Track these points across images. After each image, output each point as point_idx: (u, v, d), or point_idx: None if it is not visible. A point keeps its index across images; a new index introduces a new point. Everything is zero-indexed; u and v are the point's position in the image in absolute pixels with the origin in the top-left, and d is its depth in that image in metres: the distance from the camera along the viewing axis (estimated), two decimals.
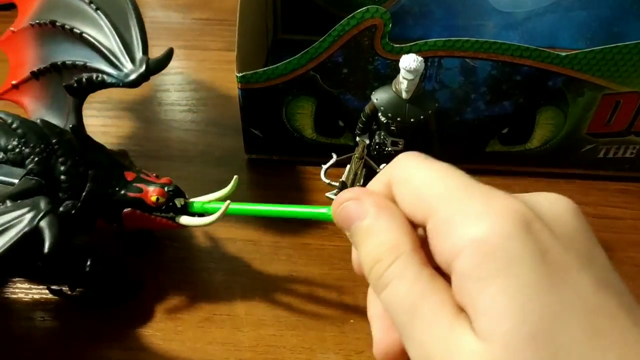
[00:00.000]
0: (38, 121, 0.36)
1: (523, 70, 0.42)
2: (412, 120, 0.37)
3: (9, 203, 0.33)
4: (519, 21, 0.56)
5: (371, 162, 0.39)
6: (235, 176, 0.35)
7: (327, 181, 0.38)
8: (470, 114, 0.45)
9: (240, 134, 0.48)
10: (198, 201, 0.36)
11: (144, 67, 0.37)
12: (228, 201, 0.33)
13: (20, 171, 0.35)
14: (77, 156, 0.35)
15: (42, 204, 0.31)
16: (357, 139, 0.40)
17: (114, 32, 0.38)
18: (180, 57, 0.63)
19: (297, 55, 0.42)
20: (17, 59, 0.43)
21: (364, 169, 0.40)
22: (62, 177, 0.35)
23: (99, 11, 0.39)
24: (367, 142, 0.40)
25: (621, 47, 0.40)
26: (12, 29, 0.44)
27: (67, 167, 0.35)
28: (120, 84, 0.37)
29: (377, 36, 0.41)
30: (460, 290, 0.18)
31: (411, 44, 0.41)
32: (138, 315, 0.39)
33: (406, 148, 0.39)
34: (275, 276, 0.42)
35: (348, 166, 0.39)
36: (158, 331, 0.38)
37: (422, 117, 0.37)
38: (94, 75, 0.38)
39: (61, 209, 0.35)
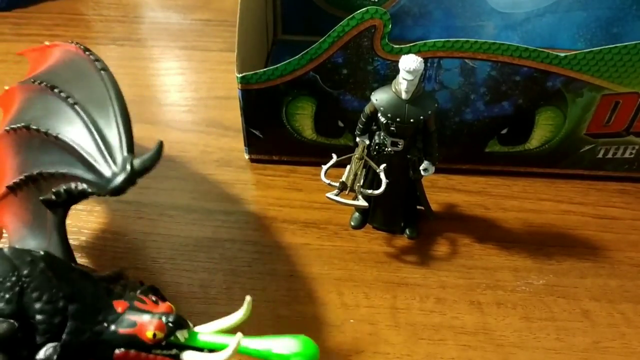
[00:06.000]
0: (5, 249, 0.30)
1: (522, 70, 0.42)
2: (411, 120, 0.37)
3: None
4: (518, 22, 0.57)
5: (371, 163, 0.40)
6: (247, 297, 0.30)
7: (327, 181, 0.39)
8: (470, 114, 0.45)
9: (241, 135, 0.48)
10: (204, 331, 0.30)
11: (127, 170, 0.30)
12: (239, 335, 0.29)
13: None
14: (55, 288, 0.29)
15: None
16: (357, 139, 0.40)
17: (93, 130, 0.32)
18: (180, 58, 0.63)
19: (297, 56, 0.42)
20: None
21: (364, 170, 0.40)
22: (38, 316, 0.29)
23: (76, 106, 0.33)
24: (367, 142, 0.40)
25: (620, 48, 0.40)
26: None
27: (42, 305, 0.29)
28: (103, 193, 0.31)
29: (376, 37, 0.41)
30: None
31: (411, 44, 0.41)
32: None
33: (406, 148, 0.39)
34: (275, 276, 0.42)
35: (348, 167, 0.39)
36: None
37: (421, 117, 0.37)
38: (73, 185, 0.32)
39: (40, 356, 0.29)
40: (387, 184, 0.38)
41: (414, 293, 0.41)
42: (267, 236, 0.44)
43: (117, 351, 0.29)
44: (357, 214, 0.45)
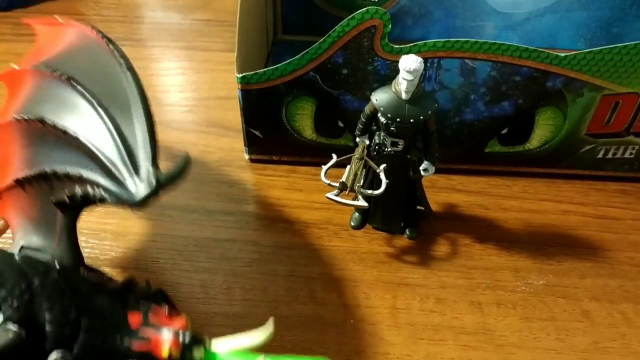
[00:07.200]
0: (16, 256, 0.29)
1: (522, 71, 0.42)
2: (411, 120, 0.37)
3: None
4: (518, 22, 0.57)
5: (371, 163, 0.40)
6: (271, 319, 0.29)
7: (327, 182, 0.39)
8: (470, 114, 0.45)
9: (241, 135, 0.48)
10: (221, 350, 0.29)
11: (153, 184, 0.29)
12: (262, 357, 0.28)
13: None
14: (67, 299, 0.28)
15: None
16: (357, 139, 0.40)
17: (115, 134, 0.30)
18: (181, 58, 0.63)
19: (297, 56, 0.42)
20: (1, 157, 0.35)
21: (364, 170, 0.40)
22: (48, 327, 0.28)
23: (100, 108, 0.31)
24: (367, 142, 0.40)
25: (620, 48, 0.40)
26: None
27: (53, 315, 0.28)
28: (123, 205, 0.29)
29: (376, 37, 0.41)
30: None
31: (411, 44, 0.41)
32: None
33: (406, 148, 0.39)
34: (275, 276, 0.42)
35: (348, 167, 0.39)
36: None
37: (421, 117, 0.37)
38: (90, 190, 0.30)
39: None
40: (387, 184, 0.38)
41: (414, 293, 0.41)
42: (267, 236, 0.44)
43: None
44: (357, 214, 0.45)
